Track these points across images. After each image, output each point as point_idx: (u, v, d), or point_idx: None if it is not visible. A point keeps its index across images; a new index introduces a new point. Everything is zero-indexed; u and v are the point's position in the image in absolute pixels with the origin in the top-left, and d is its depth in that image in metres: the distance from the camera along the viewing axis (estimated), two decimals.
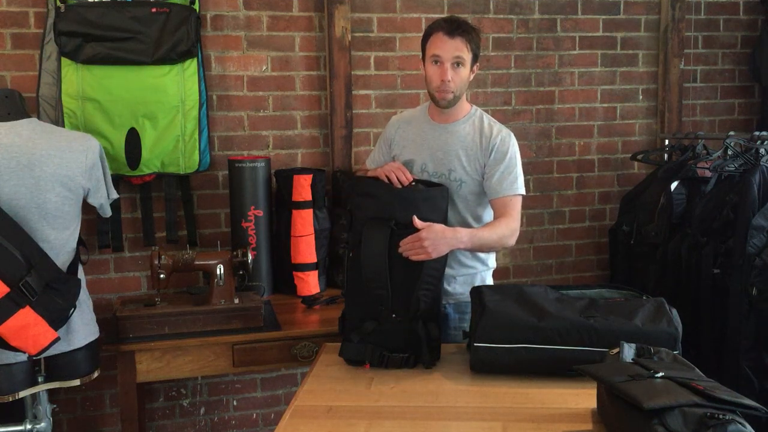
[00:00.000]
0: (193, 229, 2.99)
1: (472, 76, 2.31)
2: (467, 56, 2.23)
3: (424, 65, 2.30)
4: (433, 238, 2.02)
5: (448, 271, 2.23)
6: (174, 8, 2.79)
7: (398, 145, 2.43)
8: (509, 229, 2.23)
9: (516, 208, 2.28)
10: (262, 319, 2.55)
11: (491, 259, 2.44)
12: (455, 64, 2.22)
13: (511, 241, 2.25)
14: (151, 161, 2.84)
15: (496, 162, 2.28)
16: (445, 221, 2.15)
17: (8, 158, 2.15)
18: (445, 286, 2.29)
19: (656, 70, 3.57)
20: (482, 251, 2.32)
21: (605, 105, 3.54)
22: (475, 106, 2.40)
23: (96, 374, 2.38)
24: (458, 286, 2.36)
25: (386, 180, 2.20)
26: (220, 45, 3.01)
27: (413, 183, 2.22)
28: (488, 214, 2.35)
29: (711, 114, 3.70)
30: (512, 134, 2.34)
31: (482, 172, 2.30)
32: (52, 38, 2.72)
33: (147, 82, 2.78)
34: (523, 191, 2.31)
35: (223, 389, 3.18)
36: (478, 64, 2.31)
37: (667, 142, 3.47)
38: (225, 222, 3.07)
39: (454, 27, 2.21)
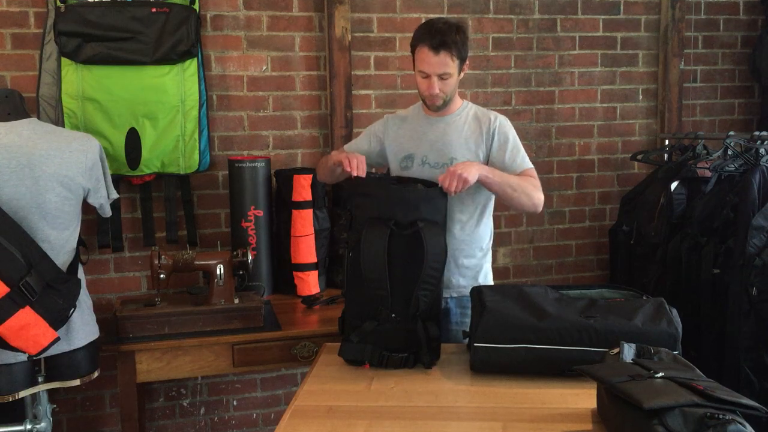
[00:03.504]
0: (193, 229, 2.99)
1: (462, 74, 2.34)
2: (453, 67, 2.25)
3: (414, 69, 2.33)
4: (461, 166, 2.13)
5: (450, 262, 2.25)
6: (174, 8, 2.79)
7: (394, 142, 2.44)
8: (534, 186, 2.29)
9: (536, 177, 2.35)
10: (262, 319, 2.55)
11: (489, 253, 2.47)
12: (442, 76, 2.25)
13: (537, 197, 2.29)
14: (151, 161, 2.84)
15: (501, 146, 2.33)
16: (444, 220, 2.15)
17: (8, 158, 2.15)
18: (448, 277, 2.31)
19: (656, 70, 3.57)
20: (505, 195, 2.28)
21: (605, 105, 3.54)
22: (465, 100, 2.45)
23: (96, 374, 2.38)
24: (461, 278, 2.37)
25: (347, 164, 2.22)
26: (220, 45, 3.01)
27: (415, 184, 2.23)
28: (491, 202, 2.40)
29: (711, 114, 3.70)
30: (506, 117, 2.40)
31: (485, 156, 2.33)
32: (52, 38, 2.72)
33: (147, 82, 2.79)
34: (532, 165, 2.38)
35: (223, 389, 3.18)
36: (467, 63, 2.33)
37: (667, 142, 3.47)
38: (225, 222, 3.07)
39: (438, 43, 2.21)
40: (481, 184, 2.22)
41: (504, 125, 2.36)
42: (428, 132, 2.38)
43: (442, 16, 3.14)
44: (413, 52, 2.30)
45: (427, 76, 2.26)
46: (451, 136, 2.34)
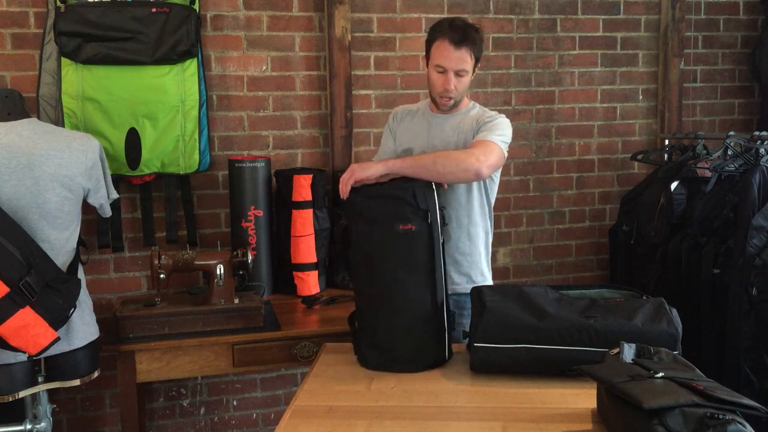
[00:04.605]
0: (193, 229, 2.99)
1: (473, 75, 2.33)
2: (470, 65, 2.27)
3: (427, 66, 2.32)
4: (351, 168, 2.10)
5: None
6: (174, 8, 2.79)
7: (398, 134, 2.47)
8: (468, 153, 2.16)
9: (485, 145, 2.19)
10: (262, 319, 2.55)
11: (487, 253, 2.45)
12: (459, 72, 2.25)
13: (468, 161, 2.13)
14: (151, 161, 2.84)
15: (481, 128, 2.27)
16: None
17: (8, 158, 2.15)
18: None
19: (656, 70, 3.57)
20: (433, 172, 2.12)
21: (605, 105, 3.54)
22: (473, 101, 2.45)
23: (96, 374, 2.38)
24: (454, 275, 2.36)
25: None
26: (220, 45, 3.01)
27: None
28: (484, 199, 2.38)
29: (711, 114, 3.70)
30: (506, 118, 2.34)
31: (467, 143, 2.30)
32: (52, 38, 2.72)
33: (147, 82, 2.79)
34: (502, 144, 2.25)
35: (223, 389, 3.18)
36: (479, 64, 2.33)
37: (667, 142, 3.47)
38: (225, 222, 3.07)
39: (460, 37, 2.21)
40: (403, 175, 2.12)
41: (494, 116, 2.31)
42: (428, 128, 2.39)
43: (443, 16, 3.15)
44: (429, 47, 2.29)
45: (444, 71, 2.25)
46: (447, 134, 2.35)
